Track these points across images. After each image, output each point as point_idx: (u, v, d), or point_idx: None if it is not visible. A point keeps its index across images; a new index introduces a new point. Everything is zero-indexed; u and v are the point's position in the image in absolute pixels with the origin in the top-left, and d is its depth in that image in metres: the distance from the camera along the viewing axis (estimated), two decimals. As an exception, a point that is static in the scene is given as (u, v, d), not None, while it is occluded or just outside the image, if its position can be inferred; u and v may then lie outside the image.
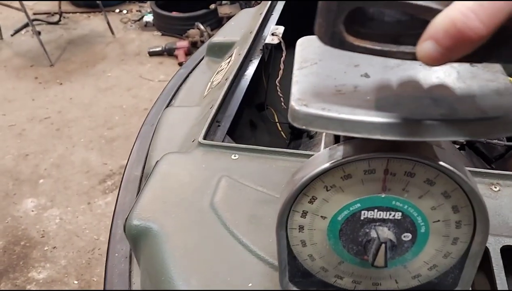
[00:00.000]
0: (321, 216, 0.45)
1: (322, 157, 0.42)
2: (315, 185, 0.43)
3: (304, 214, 0.45)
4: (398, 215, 0.43)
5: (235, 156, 0.74)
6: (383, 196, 0.42)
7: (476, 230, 0.43)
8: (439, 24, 0.26)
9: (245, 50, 1.01)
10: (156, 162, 0.77)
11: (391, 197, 0.42)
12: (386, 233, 0.43)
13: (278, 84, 0.97)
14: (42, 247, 1.92)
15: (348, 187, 0.42)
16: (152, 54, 3.41)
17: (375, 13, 0.32)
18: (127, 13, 4.13)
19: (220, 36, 1.29)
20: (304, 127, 0.37)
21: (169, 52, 3.35)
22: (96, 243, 1.92)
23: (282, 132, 1.23)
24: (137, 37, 3.74)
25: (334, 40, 0.31)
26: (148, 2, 3.97)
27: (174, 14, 3.57)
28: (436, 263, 0.47)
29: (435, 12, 0.27)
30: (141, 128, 1.14)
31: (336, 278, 0.49)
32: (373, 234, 0.43)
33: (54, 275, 1.81)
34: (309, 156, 0.73)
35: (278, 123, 1.23)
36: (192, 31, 3.36)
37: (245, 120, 1.21)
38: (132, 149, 1.08)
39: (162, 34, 3.71)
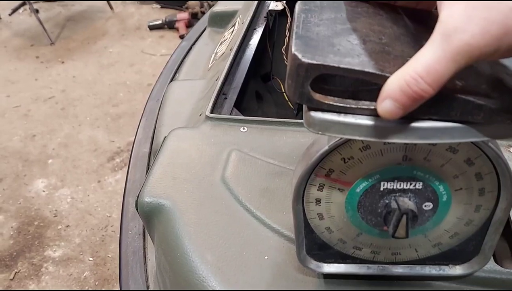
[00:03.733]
0: (339, 189, 0.43)
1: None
2: (331, 157, 0.41)
3: (321, 187, 0.43)
4: (419, 185, 0.42)
5: (243, 129, 0.73)
6: (403, 165, 0.41)
7: (501, 197, 0.42)
8: (395, 85, 0.32)
9: (249, 19, 0.98)
10: (164, 138, 0.75)
11: (412, 166, 0.41)
12: (407, 203, 0.42)
13: (284, 52, 0.94)
14: (56, 226, 1.94)
15: (367, 158, 0.41)
16: (152, 28, 3.35)
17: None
18: (124, -15, 4.03)
19: (222, 5, 1.25)
20: (320, 133, 0.36)
21: (169, 25, 3.29)
22: (109, 220, 1.94)
23: (289, 103, 1.20)
24: (136, 11, 3.67)
25: (302, 99, 0.35)
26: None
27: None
28: (458, 231, 0.45)
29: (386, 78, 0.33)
30: (146, 104, 1.12)
31: (354, 249, 0.48)
32: (394, 205, 0.42)
33: (69, 253, 1.83)
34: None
35: (284, 94, 1.21)
36: (191, 2, 3.28)
37: (251, 91, 1.18)
38: (138, 126, 1.07)
39: (162, 7, 3.64)
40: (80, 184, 2.11)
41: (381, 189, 0.42)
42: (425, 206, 0.43)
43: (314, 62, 0.33)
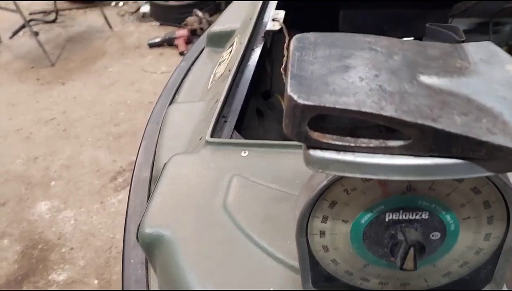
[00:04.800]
0: (343, 220, 0.42)
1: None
2: (334, 188, 0.40)
3: (324, 219, 0.42)
4: (425, 215, 0.40)
5: (244, 153, 0.72)
6: (408, 195, 0.40)
7: (510, 224, 0.40)
8: None
9: (246, 39, 0.97)
10: (164, 165, 0.74)
11: (417, 196, 0.39)
12: (413, 234, 0.40)
13: (282, 71, 0.93)
14: (60, 249, 1.93)
15: (370, 189, 0.40)
16: (152, 45, 3.37)
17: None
18: (123, 5, 4.07)
19: (219, 25, 1.25)
20: (320, 171, 0.35)
21: (169, 42, 3.31)
22: (113, 241, 1.92)
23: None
24: (136, 30, 3.69)
25: (300, 138, 0.34)
26: (144, -7, 3.90)
27: (172, 2, 3.51)
28: (467, 260, 0.44)
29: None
30: (146, 127, 1.11)
31: (361, 280, 0.47)
32: (400, 236, 0.41)
33: (74, 276, 1.82)
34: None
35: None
36: (190, 19, 3.30)
37: (251, 109, 1.17)
38: (138, 150, 1.06)
39: (161, 24, 3.66)
40: (83, 205, 2.10)
41: (386, 219, 0.41)
42: (433, 235, 0.42)
43: (310, 103, 0.33)
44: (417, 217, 0.41)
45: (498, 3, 1.29)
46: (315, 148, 0.35)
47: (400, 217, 0.41)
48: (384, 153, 0.34)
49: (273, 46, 1.14)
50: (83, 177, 2.26)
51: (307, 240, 0.44)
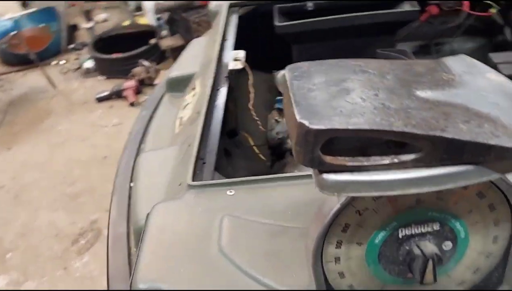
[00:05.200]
0: (357, 243, 0.42)
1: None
2: (346, 212, 0.40)
3: (339, 244, 0.42)
4: (436, 226, 0.41)
5: (230, 192, 0.70)
6: (418, 209, 0.40)
7: (515, 224, 0.42)
8: None
9: (211, 80, 0.98)
10: (147, 215, 0.71)
11: (427, 208, 0.40)
12: (430, 247, 0.41)
13: (252, 108, 0.94)
14: (23, 326, 1.77)
15: (381, 207, 0.40)
16: (100, 99, 3.30)
17: None
18: (65, 63, 3.99)
19: (177, 70, 1.26)
20: (335, 194, 0.36)
21: (117, 95, 3.26)
22: (83, 308, 1.79)
23: (260, 155, 1.20)
24: (81, 85, 3.62)
25: (314, 163, 0.35)
26: (86, 48, 3.86)
27: (116, 55, 3.49)
28: (479, 265, 0.45)
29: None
30: (115, 182, 1.07)
31: (379, 303, 0.46)
32: (417, 251, 0.41)
33: None
34: (309, 176, 0.70)
35: (254, 147, 1.20)
36: (137, 69, 3.28)
37: (219, 149, 1.17)
38: (110, 206, 1.02)
39: (107, 78, 3.61)
40: (45, 274, 1.96)
41: (400, 236, 0.41)
42: (445, 245, 0.42)
43: (323, 127, 0.33)
44: (429, 229, 0.41)
45: (435, 26, 1.40)
46: (328, 171, 0.35)
47: (413, 232, 0.41)
48: (397, 168, 0.35)
49: (235, 85, 1.15)
50: (42, 243, 2.11)
51: (322, 266, 0.43)
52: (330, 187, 0.35)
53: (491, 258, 0.44)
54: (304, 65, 0.41)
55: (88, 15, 4.32)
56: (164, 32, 3.77)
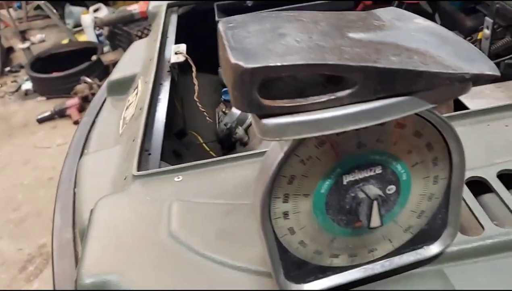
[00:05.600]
0: (304, 195, 0.41)
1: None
2: (290, 162, 0.39)
3: (286, 198, 0.41)
4: (378, 169, 0.42)
5: (178, 178, 0.68)
6: (360, 152, 0.40)
7: (453, 163, 0.43)
8: None
9: (153, 75, 0.96)
10: (91, 211, 0.68)
11: (368, 151, 0.41)
12: (373, 190, 0.41)
13: (197, 99, 0.93)
14: None
15: (324, 154, 0.40)
16: (41, 120, 3.15)
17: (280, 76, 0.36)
18: (1, 86, 3.80)
19: (118, 72, 1.22)
20: (277, 139, 0.35)
21: (60, 114, 3.13)
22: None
23: (210, 152, 1.18)
24: (20, 108, 3.45)
25: (252, 107, 0.34)
26: (24, 70, 3.69)
27: (55, 74, 3.36)
28: (423, 208, 0.46)
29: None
30: (57, 189, 1.02)
31: (332, 258, 0.46)
32: (361, 195, 0.41)
33: None
34: (257, 154, 0.70)
35: (204, 144, 1.19)
36: (80, 87, 3.18)
37: (168, 151, 1.14)
38: (54, 213, 0.96)
39: (47, 98, 3.46)
40: (-10, 307, 1.82)
41: (344, 183, 0.41)
42: (389, 189, 0.43)
43: (258, 65, 0.33)
44: (372, 173, 0.41)
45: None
46: (267, 116, 0.35)
47: (357, 177, 0.41)
48: (335, 105, 0.35)
49: (179, 84, 1.14)
50: (-15, 275, 1.97)
51: (272, 226, 0.42)
52: (271, 132, 0.35)
53: (434, 200, 0.45)
54: (238, 17, 0.40)
55: (23, 36, 4.15)
56: (106, 48, 3.68)
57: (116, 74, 1.22)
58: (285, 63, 0.32)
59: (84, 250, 0.60)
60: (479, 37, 1.15)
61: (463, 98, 0.90)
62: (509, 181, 0.57)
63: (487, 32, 1.07)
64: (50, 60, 3.55)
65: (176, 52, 0.98)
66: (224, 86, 1.15)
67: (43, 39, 4.33)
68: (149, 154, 0.76)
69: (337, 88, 0.35)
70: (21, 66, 3.88)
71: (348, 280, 0.47)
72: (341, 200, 0.42)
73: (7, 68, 3.97)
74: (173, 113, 1.14)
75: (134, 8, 3.34)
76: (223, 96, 1.05)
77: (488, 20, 1.06)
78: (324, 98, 0.34)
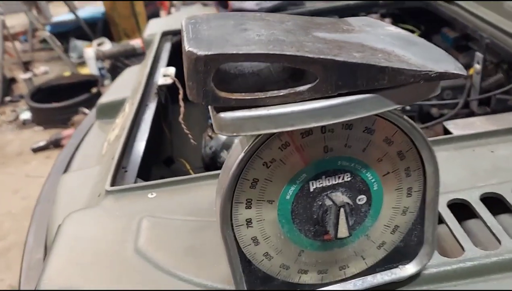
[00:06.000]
0: (268, 201, 0.39)
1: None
2: (253, 164, 0.37)
3: (248, 204, 0.39)
4: (347, 176, 0.39)
5: (152, 194, 0.66)
6: (327, 158, 0.38)
7: (426, 174, 0.41)
8: None
9: (139, 96, 0.95)
10: (58, 226, 0.65)
11: (335, 157, 0.39)
12: (340, 197, 0.39)
13: (182, 121, 0.91)
14: None
15: (289, 157, 0.38)
16: (36, 150, 3.14)
17: (237, 72, 0.35)
18: (0, 115, 3.82)
19: (109, 96, 1.22)
20: (234, 134, 0.33)
21: (55, 144, 3.12)
22: None
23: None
24: (16, 137, 3.45)
25: (207, 98, 0.32)
26: (23, 100, 3.72)
27: (54, 105, 3.38)
28: (397, 223, 0.43)
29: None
30: (34, 209, 0.99)
31: (300, 274, 0.43)
32: (328, 202, 0.39)
33: None
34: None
35: (191, 171, 1.16)
36: (77, 117, 3.19)
37: (155, 178, 1.12)
38: (27, 234, 0.93)
39: (44, 128, 3.47)
40: (-37, 339, 1.73)
41: (311, 189, 0.39)
42: (359, 199, 0.41)
43: (212, 52, 0.31)
44: (340, 180, 0.39)
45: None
46: (225, 110, 0.33)
47: (324, 183, 0.39)
48: (295, 100, 0.33)
49: (168, 111, 1.13)
50: (-39, 305, 1.89)
51: (234, 234, 0.39)
52: (228, 126, 0.33)
53: (408, 214, 0.43)
54: (203, 15, 0.39)
55: (27, 67, 4.22)
56: (107, 81, 3.73)
57: (106, 97, 1.22)
58: (241, 52, 0.31)
59: (46, 264, 0.57)
60: (470, 72, 1.15)
61: (452, 128, 0.89)
62: (493, 204, 0.55)
63: (478, 67, 1.07)
64: (51, 92, 3.58)
65: (165, 75, 0.98)
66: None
67: (47, 71, 4.40)
68: (126, 171, 0.74)
69: (298, 84, 0.33)
70: (21, 97, 3.91)
71: (317, 299, 0.43)
72: (308, 209, 0.40)
73: (8, 98, 4.01)
74: (161, 139, 1.13)
75: (136, 42, 3.41)
76: (209, 120, 1.05)
77: (479, 55, 1.06)
78: (283, 92, 0.33)
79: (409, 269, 0.45)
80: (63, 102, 3.35)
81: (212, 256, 0.53)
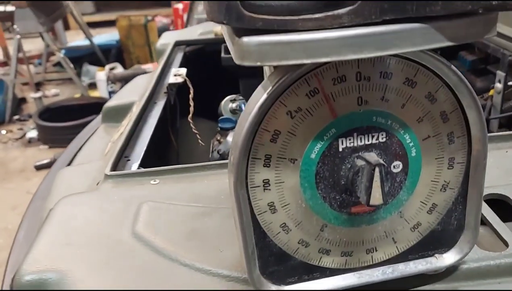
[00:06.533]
0: (290, 159, 0.34)
1: (276, 74, 0.32)
2: (275, 112, 0.32)
3: (267, 161, 0.33)
4: (382, 136, 0.34)
5: (154, 181, 0.60)
6: (360, 111, 0.33)
7: (472, 142, 0.36)
8: None
9: (148, 93, 0.91)
10: (49, 210, 0.59)
11: (370, 111, 0.34)
12: (375, 157, 0.33)
13: (190, 120, 0.87)
14: None
15: (317, 107, 0.33)
16: (39, 167, 3.10)
17: None
18: (6, 133, 3.81)
19: (116, 99, 1.18)
20: (258, 63, 0.29)
21: (59, 163, 3.08)
22: None
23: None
24: (21, 155, 3.42)
25: (230, 15, 0.28)
26: (31, 119, 3.72)
27: (62, 123, 3.37)
28: (435, 201, 0.37)
29: None
30: (28, 206, 0.93)
31: (321, 254, 0.37)
32: (360, 162, 0.33)
33: None
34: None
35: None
36: (83, 137, 3.16)
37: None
38: (17, 231, 0.87)
39: (50, 147, 3.44)
40: None
41: (340, 149, 0.34)
42: (394, 166, 0.35)
43: None
44: (374, 140, 0.34)
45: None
46: (249, 34, 0.29)
47: (356, 143, 0.34)
48: (332, 25, 0.29)
49: (176, 113, 1.09)
50: None
51: (249, 197, 0.34)
52: (252, 53, 0.28)
53: (448, 191, 0.37)
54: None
55: (38, 88, 4.25)
56: (116, 104, 3.72)
57: (112, 101, 1.19)
58: None
59: (32, 246, 0.51)
60: (490, 93, 1.11)
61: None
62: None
63: (499, 86, 1.03)
64: (59, 112, 3.58)
65: (175, 75, 0.95)
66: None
67: (57, 93, 4.42)
68: (128, 160, 0.69)
69: (336, 8, 0.29)
70: (30, 116, 3.92)
71: (340, 286, 0.37)
72: (335, 172, 0.34)
73: (16, 117, 4.01)
74: (167, 144, 1.08)
75: (148, 66, 3.43)
76: (219, 124, 1.01)
77: (500, 74, 1.02)
78: (318, 15, 0.28)
79: (447, 258, 0.39)
80: (71, 121, 3.34)
81: (217, 241, 0.47)
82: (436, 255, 0.39)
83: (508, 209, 0.48)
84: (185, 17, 3.18)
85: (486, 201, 0.48)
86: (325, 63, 0.31)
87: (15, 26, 3.66)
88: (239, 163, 0.33)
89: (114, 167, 0.65)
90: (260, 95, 0.32)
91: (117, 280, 0.45)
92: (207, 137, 1.32)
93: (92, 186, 0.68)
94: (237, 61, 0.29)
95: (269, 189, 0.34)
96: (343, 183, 0.34)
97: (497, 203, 0.50)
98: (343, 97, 0.33)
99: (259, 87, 0.33)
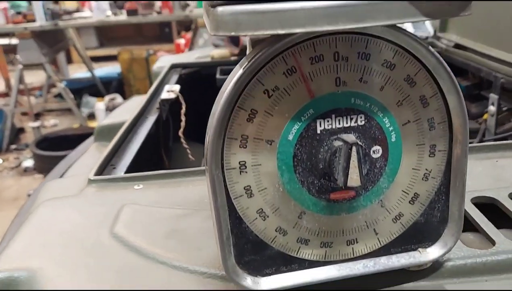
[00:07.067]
0: (267, 141, 0.33)
1: (253, 51, 0.32)
2: (252, 90, 0.32)
3: (244, 142, 0.33)
4: (361, 119, 0.34)
5: (138, 186, 0.59)
6: (338, 92, 0.33)
7: (453, 128, 0.35)
8: None
9: (139, 108, 0.91)
10: (29, 213, 0.58)
11: (349, 92, 0.33)
12: (352, 137, 0.33)
13: (181, 135, 0.87)
14: None
15: (294, 87, 0.32)
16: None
17: None
18: (3, 162, 3.79)
19: (110, 119, 1.18)
20: (233, 33, 0.29)
21: (53, 191, 3.05)
22: None
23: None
24: (15, 183, 3.40)
25: None
26: (28, 148, 3.72)
27: (58, 153, 3.36)
28: (417, 190, 0.36)
29: None
30: (13, 219, 0.91)
31: (299, 243, 0.35)
32: (337, 143, 0.33)
33: None
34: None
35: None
36: (79, 166, 3.15)
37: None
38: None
39: (45, 176, 3.42)
40: None
41: (318, 130, 0.33)
42: (374, 151, 0.34)
43: None
44: (353, 123, 0.34)
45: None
46: (223, 5, 0.29)
47: (334, 125, 0.33)
48: None
49: (169, 130, 1.08)
50: None
51: (224, 179, 0.33)
52: (226, 22, 0.28)
53: (431, 181, 0.36)
54: None
55: (37, 117, 4.28)
56: (113, 134, 3.73)
57: (106, 120, 1.19)
58: None
59: (7, 245, 0.50)
60: (484, 117, 1.11)
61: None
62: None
63: (492, 109, 1.04)
64: (57, 142, 3.58)
65: (169, 91, 0.95)
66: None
67: (56, 124, 4.45)
68: (114, 168, 0.68)
69: None
70: (27, 145, 3.92)
71: (319, 279, 0.36)
72: (313, 155, 0.33)
73: (14, 146, 4.02)
74: (156, 161, 1.07)
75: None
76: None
77: (494, 97, 1.03)
78: None
79: (431, 253, 0.37)
80: (67, 150, 3.33)
81: (196, 240, 0.45)
82: (420, 249, 0.37)
83: (497, 212, 0.47)
84: (186, 51, 3.25)
85: (475, 205, 0.47)
86: (303, 41, 0.31)
87: (17, 56, 3.71)
88: (214, 142, 0.32)
89: (99, 173, 0.64)
90: (236, 71, 0.32)
91: (91, 279, 0.43)
92: (200, 157, 1.31)
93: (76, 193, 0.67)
94: (212, 32, 0.29)
95: (246, 172, 0.33)
96: (321, 166, 0.33)
97: (486, 208, 0.49)
98: (321, 77, 0.33)
99: (237, 66, 0.32)
